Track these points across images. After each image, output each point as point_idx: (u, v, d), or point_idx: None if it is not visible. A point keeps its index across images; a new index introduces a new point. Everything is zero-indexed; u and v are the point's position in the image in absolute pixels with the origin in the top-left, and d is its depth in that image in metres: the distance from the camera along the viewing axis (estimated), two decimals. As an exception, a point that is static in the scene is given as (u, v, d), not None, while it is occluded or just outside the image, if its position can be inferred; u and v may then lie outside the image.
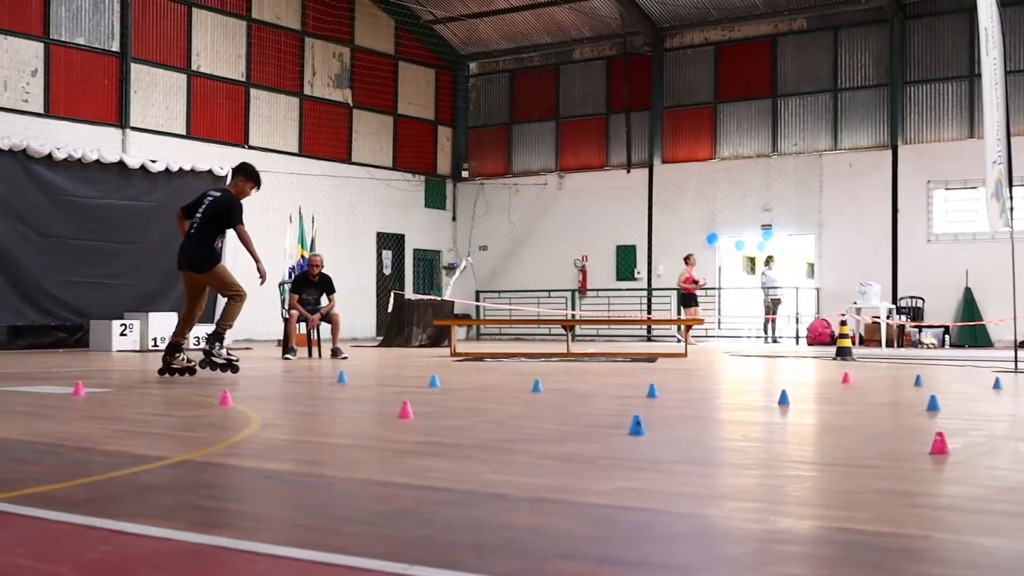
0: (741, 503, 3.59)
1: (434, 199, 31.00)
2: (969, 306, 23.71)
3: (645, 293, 28.47)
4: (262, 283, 10.43)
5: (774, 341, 24.95)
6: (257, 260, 10.29)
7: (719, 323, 27.08)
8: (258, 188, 10.71)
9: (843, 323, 15.97)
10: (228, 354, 10.38)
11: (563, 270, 29.65)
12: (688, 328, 17.89)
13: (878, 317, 22.59)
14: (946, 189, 24.62)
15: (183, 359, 10.38)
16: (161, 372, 10.38)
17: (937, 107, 25.21)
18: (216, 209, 10.26)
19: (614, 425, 5.83)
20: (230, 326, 10.45)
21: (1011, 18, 22.82)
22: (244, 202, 10.51)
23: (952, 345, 23.19)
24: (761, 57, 27.44)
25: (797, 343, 24.48)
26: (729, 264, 28.14)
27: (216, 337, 10.25)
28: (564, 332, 18.37)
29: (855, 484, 3.98)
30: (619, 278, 29.00)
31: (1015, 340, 13.51)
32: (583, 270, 29.39)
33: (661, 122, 28.66)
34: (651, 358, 15.59)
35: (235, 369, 10.29)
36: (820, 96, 26.67)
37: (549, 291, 29.13)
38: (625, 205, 28.87)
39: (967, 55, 24.38)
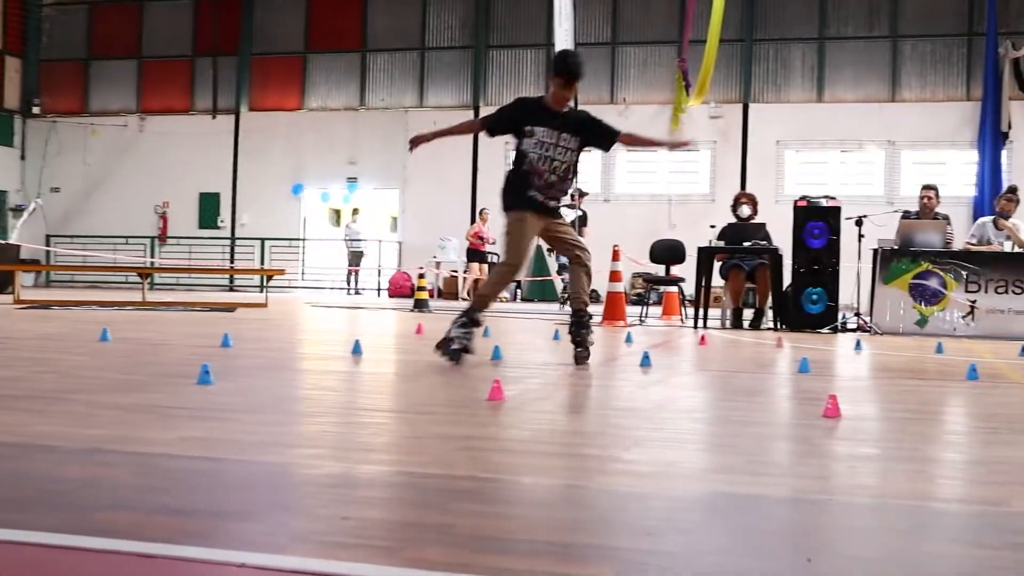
0: (305, 450, 3.63)
1: (0, 135, 28.81)
2: (539, 262, 25.09)
3: (228, 242, 27.97)
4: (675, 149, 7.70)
5: (356, 293, 25.30)
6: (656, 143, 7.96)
7: (303, 274, 27.11)
8: (567, 81, 7.14)
9: (421, 276, 16.47)
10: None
11: (143, 216, 28.56)
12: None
13: (456, 271, 23.45)
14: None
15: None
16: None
17: (517, 72, 26.41)
18: None
19: (183, 375, 5.71)
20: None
21: (584, -8, 24.28)
22: None
23: (523, 299, 24.48)
24: (352, 10, 27.56)
25: (379, 295, 24.95)
26: (314, 216, 28.20)
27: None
28: (141, 280, 17.70)
29: (416, 430, 4.13)
30: (202, 226, 28.33)
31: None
32: (164, 216, 28.44)
33: (249, 69, 28.17)
34: (231, 308, 15.38)
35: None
36: (408, 54, 27.20)
37: (127, 237, 27.96)
38: (210, 151, 28.19)
39: (545, 24, 25.65)
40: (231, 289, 27.03)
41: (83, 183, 29.12)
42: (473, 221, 25.22)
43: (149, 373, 6.03)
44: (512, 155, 7.39)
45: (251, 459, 3.39)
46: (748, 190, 17.44)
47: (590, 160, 25.10)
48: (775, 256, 12.93)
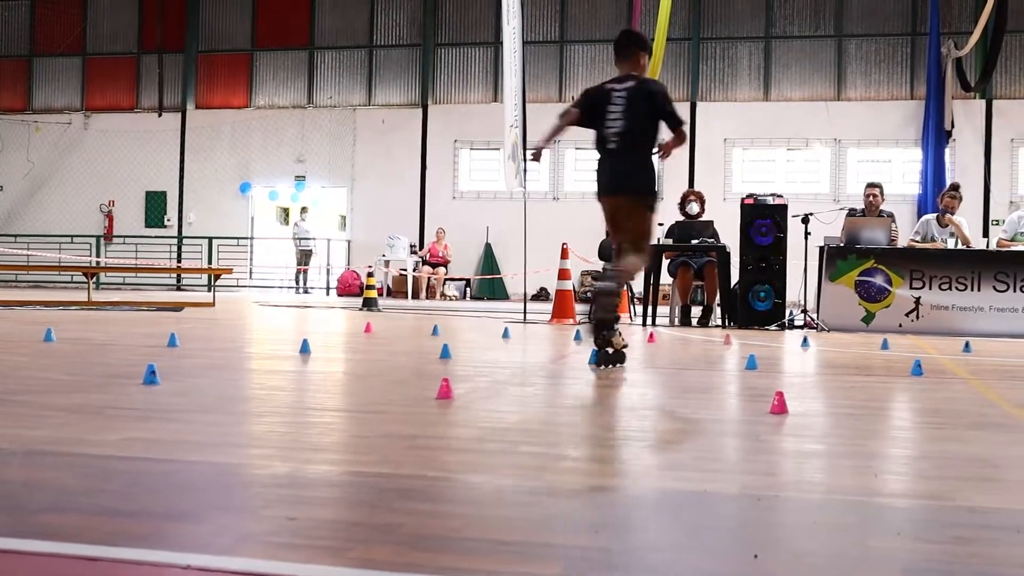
0: (252, 450, 3.60)
1: (-60, 132, 28.39)
2: (489, 260, 25.11)
3: (175, 241, 27.72)
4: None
5: (305, 292, 25.17)
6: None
7: (251, 273, 26.93)
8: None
9: (370, 274, 16.41)
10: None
11: (88, 214, 28.22)
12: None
13: (405, 269, 23.40)
14: (471, 149, 25.87)
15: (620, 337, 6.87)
16: (600, 363, 6.73)
17: (465, 70, 26.38)
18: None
19: (129, 375, 5.64)
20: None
21: (533, -9, 24.32)
22: None
23: (473, 297, 24.47)
24: (299, 7, 27.40)
25: (328, 294, 24.83)
26: (262, 214, 28.02)
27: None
28: (86, 280, 17.49)
29: (364, 429, 4.11)
30: (148, 225, 28.04)
31: (525, 293, 14.49)
32: (110, 215, 28.11)
33: (196, 66, 27.92)
34: (178, 307, 15.24)
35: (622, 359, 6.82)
36: (356, 52, 27.08)
37: (72, 236, 27.62)
38: (156, 149, 27.92)
39: (493, 23, 25.64)
40: (178, 288, 26.78)
41: (27, 181, 28.72)
42: (422, 229, 25.42)
43: (94, 374, 5.96)
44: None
45: (197, 460, 3.35)
46: (696, 188, 17.55)
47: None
48: (723, 254, 13.02)
